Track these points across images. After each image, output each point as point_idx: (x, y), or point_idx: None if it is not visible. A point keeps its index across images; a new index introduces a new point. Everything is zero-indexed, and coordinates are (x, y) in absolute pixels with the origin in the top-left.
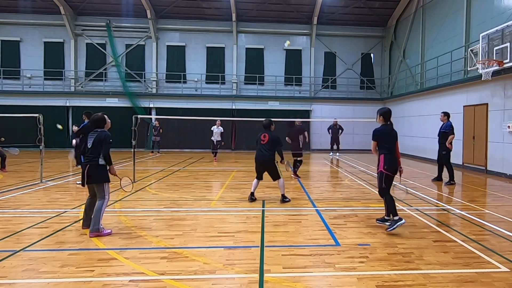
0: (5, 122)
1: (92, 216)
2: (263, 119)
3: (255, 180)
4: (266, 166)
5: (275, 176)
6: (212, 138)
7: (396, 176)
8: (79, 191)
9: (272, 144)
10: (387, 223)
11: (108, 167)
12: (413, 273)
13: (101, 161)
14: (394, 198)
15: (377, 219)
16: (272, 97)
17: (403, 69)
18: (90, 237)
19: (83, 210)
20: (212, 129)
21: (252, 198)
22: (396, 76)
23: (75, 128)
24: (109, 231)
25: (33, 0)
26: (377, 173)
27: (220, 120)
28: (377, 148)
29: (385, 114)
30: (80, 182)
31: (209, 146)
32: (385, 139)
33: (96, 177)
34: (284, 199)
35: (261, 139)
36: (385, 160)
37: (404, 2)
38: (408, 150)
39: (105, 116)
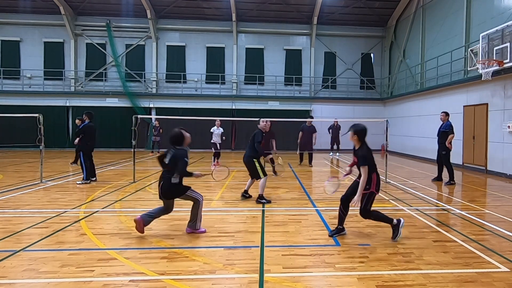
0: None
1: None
2: (264, 119)
3: (250, 180)
4: (246, 165)
5: (254, 175)
6: (214, 140)
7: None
8: (79, 191)
9: (252, 141)
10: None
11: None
12: (413, 273)
13: (174, 180)
14: (377, 211)
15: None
16: (272, 97)
17: (403, 69)
18: (187, 232)
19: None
20: (211, 130)
21: (244, 195)
22: (396, 76)
23: (78, 121)
24: (204, 229)
25: (33, 0)
26: (366, 193)
27: (220, 120)
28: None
29: (361, 133)
30: (80, 182)
31: (209, 146)
32: (372, 159)
33: (169, 194)
34: (259, 199)
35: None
36: (377, 179)
37: (404, 2)
38: (408, 150)
39: (183, 131)
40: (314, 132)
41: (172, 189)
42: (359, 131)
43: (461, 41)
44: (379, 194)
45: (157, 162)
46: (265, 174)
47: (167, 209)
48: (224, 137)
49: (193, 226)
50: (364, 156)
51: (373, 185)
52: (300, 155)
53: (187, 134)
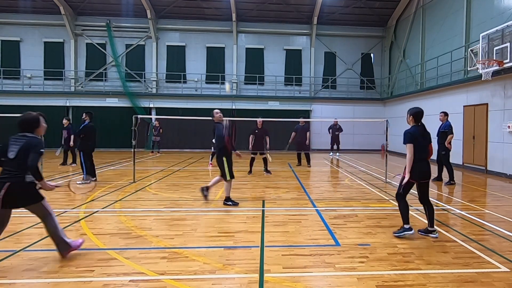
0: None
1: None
2: (264, 119)
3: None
4: (217, 163)
5: (222, 174)
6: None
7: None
8: (79, 191)
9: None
10: (432, 235)
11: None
12: (413, 273)
13: (29, 178)
14: (410, 206)
15: (419, 230)
16: (272, 97)
17: (403, 69)
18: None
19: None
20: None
21: (202, 190)
22: (396, 76)
23: (66, 121)
24: (81, 240)
25: (33, 0)
26: (401, 176)
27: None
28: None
29: (416, 115)
30: (80, 182)
31: (209, 146)
32: (418, 142)
33: (24, 199)
34: (226, 202)
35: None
36: (413, 166)
37: (404, 2)
38: None
39: (40, 116)
40: (307, 131)
41: (29, 191)
42: (414, 113)
43: (461, 41)
44: (380, 194)
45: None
46: (232, 177)
47: (1, 224)
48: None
49: (65, 246)
50: (404, 133)
51: (406, 170)
52: (297, 156)
53: (44, 124)
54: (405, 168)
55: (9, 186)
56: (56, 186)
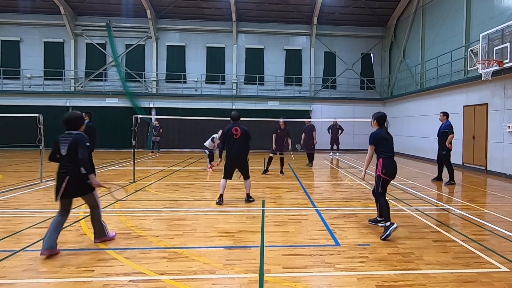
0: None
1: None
2: (263, 119)
3: (224, 180)
4: (240, 163)
5: (247, 174)
6: (208, 144)
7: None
8: None
9: (245, 139)
10: (380, 224)
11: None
12: (413, 273)
13: (83, 170)
14: (388, 202)
15: (370, 220)
16: (272, 97)
17: (403, 69)
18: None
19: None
20: (215, 136)
21: (221, 200)
22: (396, 76)
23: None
24: (114, 233)
25: (33, 0)
26: (375, 176)
27: (220, 120)
28: (375, 152)
29: (379, 119)
30: None
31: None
32: (382, 143)
33: (79, 190)
34: (249, 199)
35: (233, 133)
36: (383, 164)
37: (404, 2)
38: (408, 150)
39: (82, 114)
40: (313, 131)
41: (84, 182)
42: (378, 117)
43: (461, 41)
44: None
45: (54, 161)
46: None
47: (66, 213)
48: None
49: (101, 234)
50: (370, 136)
51: (378, 169)
52: (308, 156)
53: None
54: (376, 167)
55: (68, 179)
56: (101, 185)
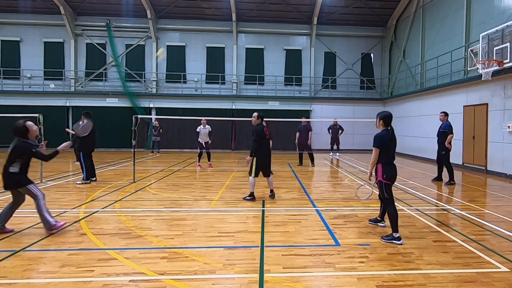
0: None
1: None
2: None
3: (253, 178)
4: (269, 160)
5: (270, 171)
6: (200, 139)
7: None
8: (79, 191)
9: (270, 138)
10: (380, 224)
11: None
12: (413, 273)
13: (13, 169)
14: (395, 212)
15: (370, 220)
16: (272, 97)
17: (403, 69)
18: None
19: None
20: (198, 130)
21: (254, 198)
22: (396, 76)
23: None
24: (63, 222)
25: (33, 0)
26: (376, 183)
27: (220, 119)
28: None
29: (386, 119)
30: (80, 182)
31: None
32: (387, 146)
33: (9, 185)
34: (273, 194)
35: (265, 133)
36: (383, 169)
37: (404, 2)
38: (408, 150)
39: (27, 124)
40: (310, 131)
41: (11, 179)
42: (384, 117)
43: (461, 41)
44: (378, 193)
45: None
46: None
47: (16, 202)
48: (210, 141)
49: (47, 224)
50: (374, 137)
51: (379, 174)
52: (299, 156)
53: (33, 127)
54: (376, 172)
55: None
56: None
